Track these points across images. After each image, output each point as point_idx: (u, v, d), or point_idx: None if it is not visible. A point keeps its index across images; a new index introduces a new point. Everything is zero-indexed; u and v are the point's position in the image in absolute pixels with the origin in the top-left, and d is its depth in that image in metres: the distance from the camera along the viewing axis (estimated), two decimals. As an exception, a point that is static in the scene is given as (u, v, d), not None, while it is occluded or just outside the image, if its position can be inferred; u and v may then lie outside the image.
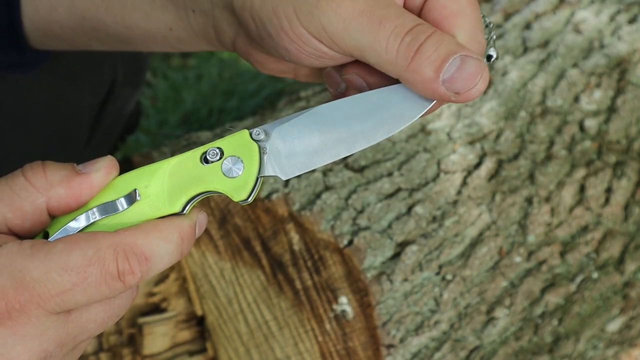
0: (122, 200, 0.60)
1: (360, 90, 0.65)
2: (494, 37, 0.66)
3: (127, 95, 1.31)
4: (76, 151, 1.22)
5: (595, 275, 1.20)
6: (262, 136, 0.62)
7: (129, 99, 1.34)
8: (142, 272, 0.58)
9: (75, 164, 0.61)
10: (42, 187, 0.59)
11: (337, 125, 0.62)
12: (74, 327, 0.59)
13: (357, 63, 0.65)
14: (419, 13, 0.64)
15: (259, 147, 0.62)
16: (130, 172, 0.62)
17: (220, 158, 0.62)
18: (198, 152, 0.62)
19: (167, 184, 0.61)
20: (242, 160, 0.61)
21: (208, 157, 0.62)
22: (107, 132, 1.31)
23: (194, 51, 0.82)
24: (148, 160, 1.15)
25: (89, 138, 1.25)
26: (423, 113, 0.62)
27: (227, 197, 0.62)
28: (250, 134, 0.62)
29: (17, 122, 1.11)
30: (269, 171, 0.62)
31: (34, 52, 0.92)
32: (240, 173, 0.61)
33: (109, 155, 0.62)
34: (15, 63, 0.94)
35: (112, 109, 1.28)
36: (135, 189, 0.61)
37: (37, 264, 0.56)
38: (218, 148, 0.62)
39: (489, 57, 0.65)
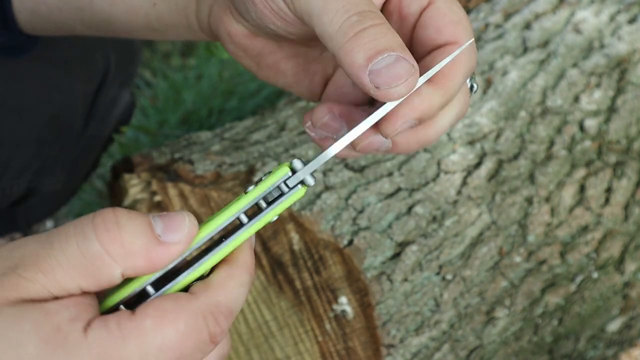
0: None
1: (334, 133, 0.65)
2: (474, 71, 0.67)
3: (120, 85, 1.31)
4: (72, 140, 1.21)
5: (595, 275, 1.20)
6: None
7: (123, 89, 1.34)
8: (229, 324, 0.56)
9: (152, 223, 0.56)
10: (119, 257, 0.54)
11: None
12: None
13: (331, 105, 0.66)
14: (417, 20, 0.65)
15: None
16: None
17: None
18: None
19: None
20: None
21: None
22: (102, 121, 1.31)
23: (170, 39, 0.81)
24: (148, 160, 1.15)
25: (84, 127, 1.25)
26: None
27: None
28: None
29: (10, 110, 1.10)
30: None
31: (23, 35, 0.92)
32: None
33: (192, 217, 0.57)
34: (4, 45, 0.94)
35: (106, 99, 1.28)
36: None
37: (132, 349, 0.53)
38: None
39: (471, 88, 0.67)
